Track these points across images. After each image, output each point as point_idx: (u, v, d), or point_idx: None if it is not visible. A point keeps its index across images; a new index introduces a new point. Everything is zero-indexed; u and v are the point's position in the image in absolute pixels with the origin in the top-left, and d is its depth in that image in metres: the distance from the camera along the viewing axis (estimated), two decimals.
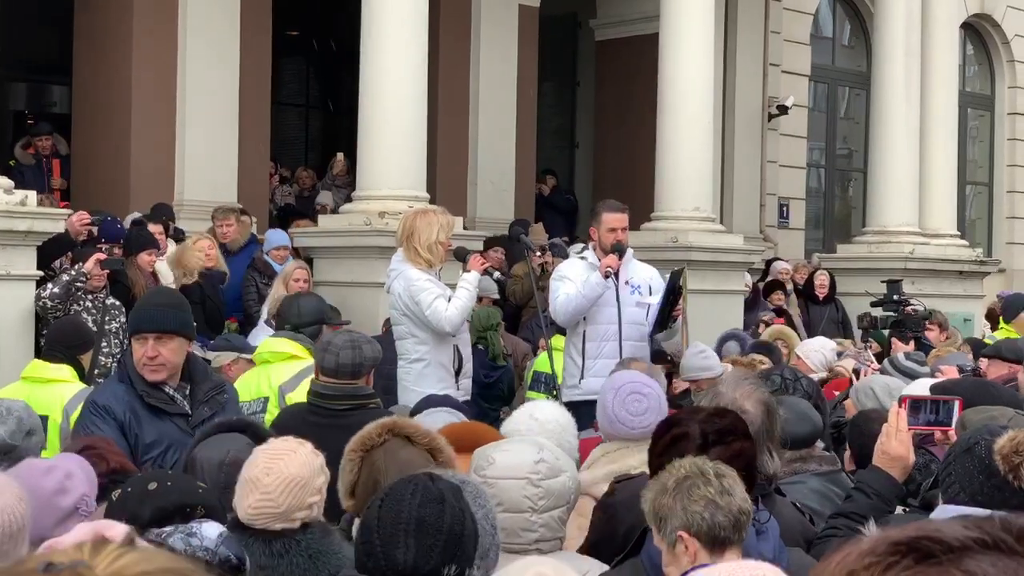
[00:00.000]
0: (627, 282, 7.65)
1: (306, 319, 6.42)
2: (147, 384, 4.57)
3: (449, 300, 7.23)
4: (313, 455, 3.21)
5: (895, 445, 3.84)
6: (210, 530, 2.91)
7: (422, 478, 2.83)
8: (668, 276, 7.68)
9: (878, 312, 11.40)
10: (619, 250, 7.57)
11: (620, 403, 4.59)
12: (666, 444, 3.33)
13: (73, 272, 8.21)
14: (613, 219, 7.70)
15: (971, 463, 3.48)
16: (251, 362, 7.07)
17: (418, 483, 2.81)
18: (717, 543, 2.93)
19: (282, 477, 3.12)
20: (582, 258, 7.78)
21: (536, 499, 3.34)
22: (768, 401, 3.84)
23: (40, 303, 8.13)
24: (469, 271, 7.50)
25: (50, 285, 8.18)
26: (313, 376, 5.23)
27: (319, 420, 4.78)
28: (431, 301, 7.17)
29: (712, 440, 3.29)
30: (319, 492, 3.16)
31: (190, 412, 4.64)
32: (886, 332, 10.89)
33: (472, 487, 3.05)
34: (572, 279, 7.57)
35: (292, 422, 4.68)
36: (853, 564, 1.04)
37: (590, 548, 3.78)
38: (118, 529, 2.25)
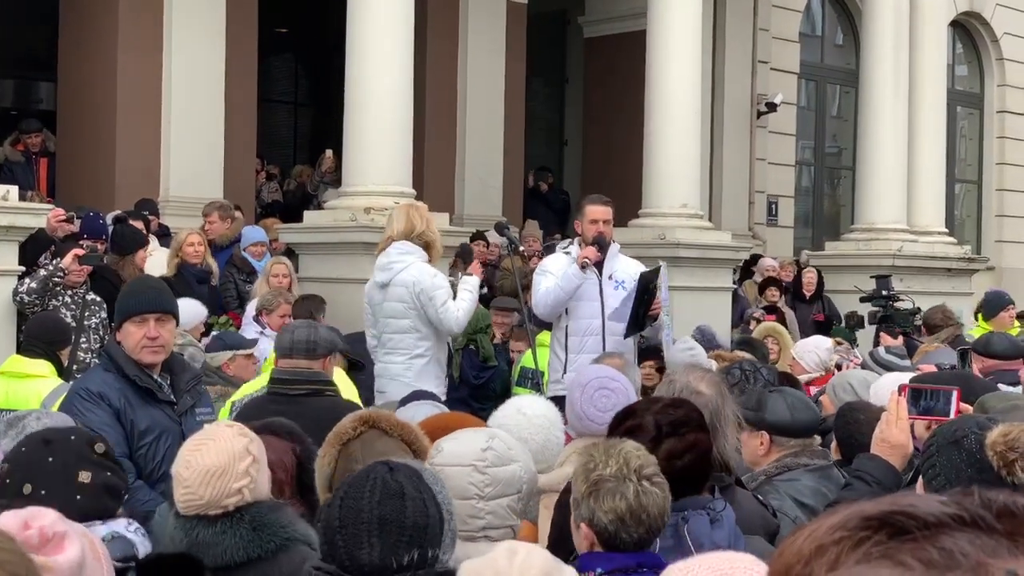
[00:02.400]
0: (611, 276, 7.61)
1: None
2: (139, 369, 4.57)
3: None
4: (236, 439, 3.17)
5: (895, 432, 3.81)
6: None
7: (380, 470, 2.79)
8: (638, 278, 7.55)
9: (867, 308, 11.40)
10: (600, 242, 7.54)
11: (588, 400, 4.56)
12: (620, 435, 3.30)
13: (51, 267, 8.15)
14: (595, 211, 7.67)
15: (959, 456, 3.42)
16: (248, 358, 7.03)
17: (376, 477, 2.76)
18: (616, 550, 2.92)
19: (200, 469, 3.11)
20: (566, 252, 7.75)
21: (482, 486, 3.31)
22: (720, 383, 3.83)
23: (17, 298, 8.08)
24: (471, 274, 7.51)
25: (27, 280, 8.12)
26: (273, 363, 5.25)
27: (279, 407, 4.75)
28: (446, 299, 7.25)
29: (666, 432, 3.26)
30: (245, 475, 3.12)
31: (175, 400, 4.66)
32: (858, 331, 10.92)
33: (429, 473, 3.04)
34: (554, 273, 7.55)
35: (253, 411, 4.72)
36: (823, 538, 0.99)
37: (551, 546, 3.75)
38: (48, 517, 2.20)
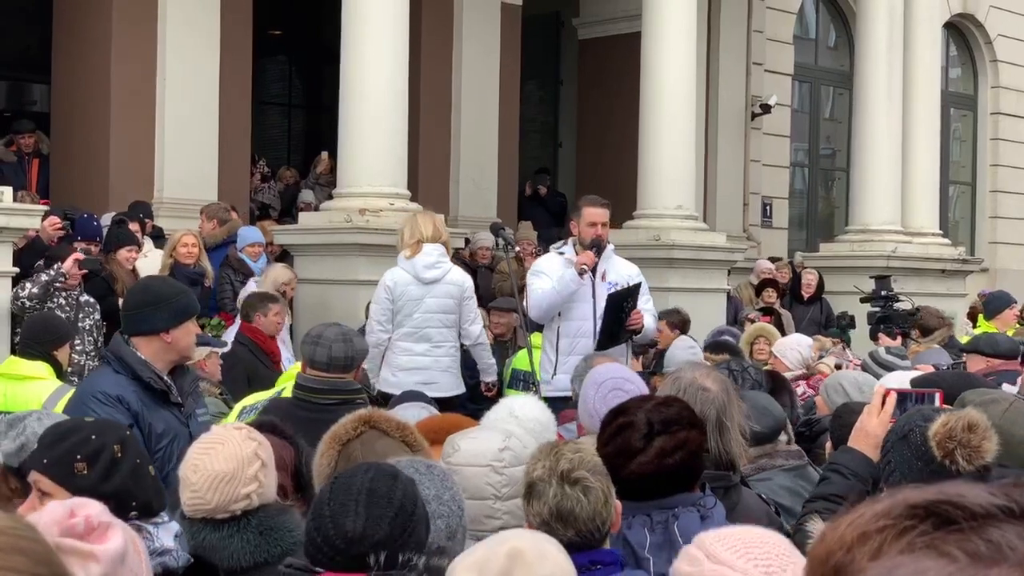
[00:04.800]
0: (603, 278, 7.57)
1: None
2: (152, 371, 4.55)
3: None
4: (245, 443, 3.12)
5: (875, 423, 3.83)
6: (169, 539, 2.90)
7: (382, 461, 2.80)
8: (606, 299, 7.44)
9: (866, 309, 11.42)
10: (596, 246, 7.50)
11: (601, 399, 4.55)
12: (612, 432, 3.29)
13: (52, 272, 8.16)
14: (593, 214, 7.61)
15: (908, 450, 3.49)
16: (218, 356, 7.05)
17: (373, 463, 2.79)
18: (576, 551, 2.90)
19: (208, 474, 3.07)
20: (560, 253, 7.72)
21: (499, 487, 3.31)
22: (726, 380, 3.83)
23: (18, 303, 8.07)
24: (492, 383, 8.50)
25: (29, 285, 8.11)
26: (299, 369, 5.19)
27: (307, 415, 4.73)
28: (476, 307, 8.13)
29: (657, 429, 3.25)
30: (254, 480, 3.08)
31: (183, 402, 4.65)
32: (850, 331, 10.94)
33: (439, 470, 3.03)
34: (548, 274, 7.54)
35: (278, 416, 4.65)
36: (866, 525, 0.98)
37: None
38: (93, 507, 2.21)
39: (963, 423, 3.44)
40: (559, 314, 7.53)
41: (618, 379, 4.65)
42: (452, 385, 7.92)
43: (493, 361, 8.48)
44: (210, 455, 3.10)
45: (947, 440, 3.42)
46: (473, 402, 8.65)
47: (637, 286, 7.59)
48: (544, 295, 7.47)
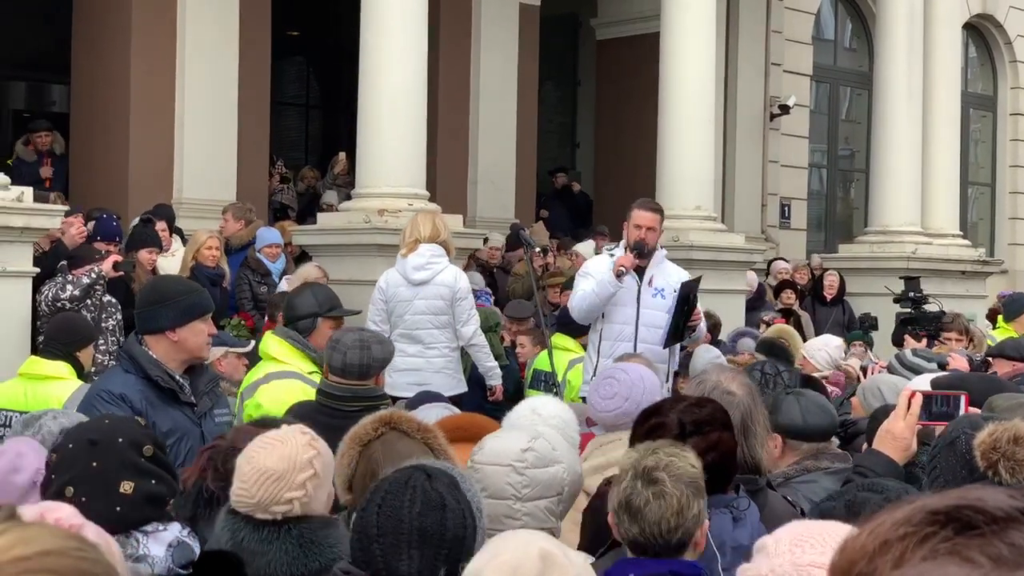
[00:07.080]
0: (650, 283, 7.44)
1: (299, 313, 6.31)
2: (162, 370, 4.54)
3: None
4: (303, 448, 3.08)
5: (901, 426, 3.80)
6: (157, 548, 2.87)
7: (418, 478, 2.74)
8: (678, 288, 7.36)
9: (890, 309, 11.41)
10: (638, 249, 7.39)
11: (595, 388, 4.65)
12: (643, 433, 3.28)
13: (93, 275, 8.20)
14: (640, 217, 7.47)
15: (954, 457, 3.47)
16: (240, 356, 7.02)
17: (416, 486, 2.72)
18: (619, 543, 2.92)
19: (258, 468, 3.04)
20: (611, 255, 7.64)
21: (519, 487, 3.29)
22: (752, 385, 3.81)
23: (59, 304, 8.08)
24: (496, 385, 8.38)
25: (70, 287, 8.14)
26: (323, 375, 5.18)
27: (329, 421, 4.71)
28: (472, 306, 8.00)
29: (689, 431, 3.24)
30: (301, 487, 3.04)
31: (196, 402, 4.63)
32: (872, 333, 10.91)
33: (463, 478, 3.00)
34: (594, 276, 7.42)
35: (302, 421, 4.64)
36: (887, 533, 0.97)
37: (585, 550, 3.72)
38: (64, 511, 2.18)
39: (1009, 435, 3.40)
40: (603, 316, 7.41)
41: (615, 368, 4.73)
42: (449, 386, 7.74)
43: (493, 364, 8.30)
44: (266, 450, 3.08)
45: (991, 451, 3.38)
46: (487, 401, 8.65)
47: (699, 278, 7.59)
48: (584, 297, 7.38)
